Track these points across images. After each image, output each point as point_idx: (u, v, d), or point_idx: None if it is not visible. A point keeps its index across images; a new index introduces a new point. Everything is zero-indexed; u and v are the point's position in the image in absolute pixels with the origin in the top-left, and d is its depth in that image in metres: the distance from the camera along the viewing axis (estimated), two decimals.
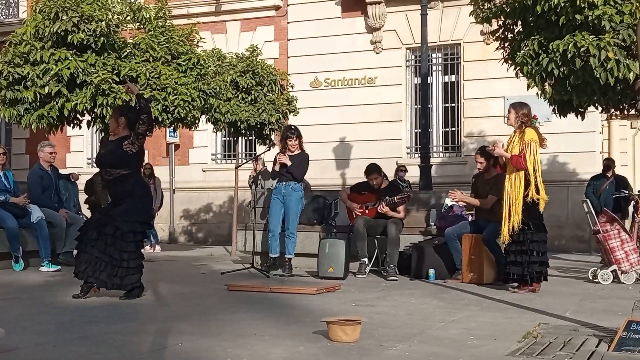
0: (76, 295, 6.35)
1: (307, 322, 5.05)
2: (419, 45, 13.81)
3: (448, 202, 9.21)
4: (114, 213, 6.37)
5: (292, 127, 9.34)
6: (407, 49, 16.29)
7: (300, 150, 9.05)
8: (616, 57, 8.05)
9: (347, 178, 15.95)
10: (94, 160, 6.70)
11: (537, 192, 7.02)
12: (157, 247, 13.95)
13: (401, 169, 14.51)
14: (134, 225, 6.32)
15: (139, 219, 6.39)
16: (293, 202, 8.91)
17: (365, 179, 9.17)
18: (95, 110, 10.12)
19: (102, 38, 10.03)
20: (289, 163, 8.81)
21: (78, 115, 10.65)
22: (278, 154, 9.04)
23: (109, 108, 9.92)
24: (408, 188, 13.32)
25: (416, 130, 15.95)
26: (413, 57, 16.28)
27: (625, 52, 8.13)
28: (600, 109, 10.32)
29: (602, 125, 15.61)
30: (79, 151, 18.65)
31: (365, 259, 8.76)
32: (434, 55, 16.12)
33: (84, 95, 9.94)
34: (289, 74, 15.32)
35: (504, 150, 7.26)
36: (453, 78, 16.14)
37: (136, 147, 6.38)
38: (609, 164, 12.81)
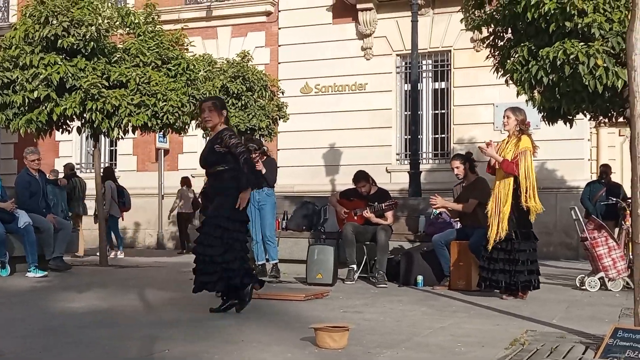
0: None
1: (295, 329, 5.04)
2: (410, 51, 13.88)
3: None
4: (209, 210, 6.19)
5: (254, 138, 9.47)
6: (397, 55, 16.33)
7: (264, 158, 9.05)
8: (605, 65, 8.08)
9: (336, 184, 15.95)
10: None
11: (527, 200, 7.00)
12: (120, 254, 13.48)
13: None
14: (219, 220, 5.95)
15: (226, 214, 5.96)
16: (268, 208, 8.90)
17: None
18: (85, 115, 10.10)
19: (92, 43, 10.04)
20: (263, 171, 8.83)
21: (67, 121, 10.63)
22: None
23: (98, 113, 9.89)
24: None
25: (406, 137, 16.00)
26: (403, 63, 16.33)
27: (614, 60, 8.16)
28: (588, 116, 10.35)
29: (591, 132, 15.67)
30: (67, 156, 18.57)
31: (354, 266, 8.74)
32: (424, 62, 16.17)
33: (73, 100, 9.93)
34: (279, 80, 15.37)
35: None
36: (443, 85, 16.19)
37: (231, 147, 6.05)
38: (605, 170, 12.64)
